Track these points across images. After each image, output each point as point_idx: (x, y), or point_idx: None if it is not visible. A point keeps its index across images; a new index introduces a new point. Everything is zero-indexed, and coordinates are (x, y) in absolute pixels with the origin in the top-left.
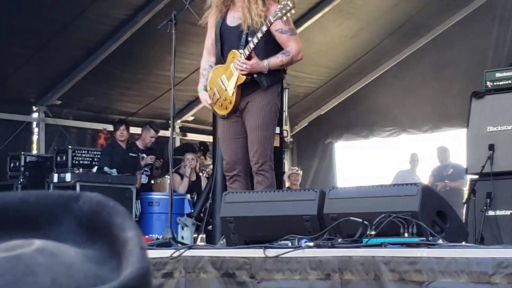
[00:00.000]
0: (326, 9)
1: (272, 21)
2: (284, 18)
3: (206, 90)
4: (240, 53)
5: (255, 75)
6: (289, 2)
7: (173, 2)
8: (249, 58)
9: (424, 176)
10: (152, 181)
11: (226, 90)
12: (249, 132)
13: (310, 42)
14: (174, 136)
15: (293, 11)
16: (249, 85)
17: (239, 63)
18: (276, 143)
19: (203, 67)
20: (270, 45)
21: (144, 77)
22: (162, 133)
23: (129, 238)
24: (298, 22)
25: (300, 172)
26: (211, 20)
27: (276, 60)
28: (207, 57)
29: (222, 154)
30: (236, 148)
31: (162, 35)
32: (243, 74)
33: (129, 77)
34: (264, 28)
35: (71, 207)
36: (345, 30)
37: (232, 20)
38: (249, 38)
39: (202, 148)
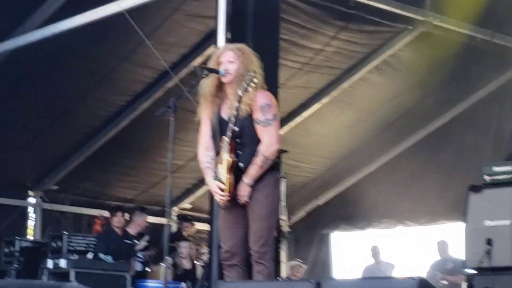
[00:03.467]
0: (325, 100)
1: (241, 94)
2: (264, 104)
3: (215, 179)
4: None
5: (241, 164)
6: (251, 72)
7: (172, 89)
8: (231, 144)
9: (420, 269)
10: (148, 269)
11: (221, 178)
12: (251, 221)
13: (308, 132)
14: (171, 223)
15: (255, 80)
16: (241, 176)
17: (239, 200)
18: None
19: (205, 161)
20: (254, 132)
21: (142, 164)
22: (157, 220)
23: None
24: (296, 112)
25: (305, 266)
26: (204, 114)
27: (253, 168)
28: (206, 152)
29: (219, 243)
30: (237, 237)
31: (161, 122)
32: (244, 201)
33: (127, 163)
34: (237, 104)
35: None
36: (343, 121)
37: (225, 112)
38: (230, 124)
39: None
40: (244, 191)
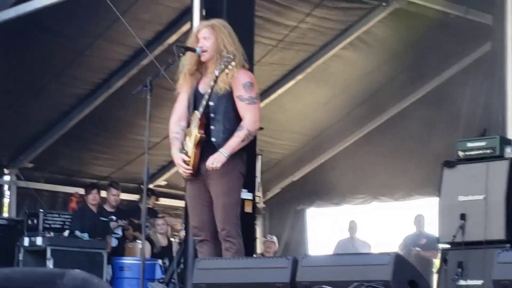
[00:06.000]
0: (299, 77)
1: (217, 75)
2: (247, 83)
3: (181, 152)
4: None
5: (213, 139)
6: (230, 55)
7: (147, 66)
8: (201, 119)
9: (395, 244)
10: (125, 245)
11: (187, 151)
12: (214, 199)
13: (283, 108)
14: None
15: (233, 63)
16: (211, 151)
17: (209, 166)
18: (249, 209)
19: (175, 131)
20: (230, 109)
21: (117, 141)
22: (134, 197)
23: None
24: (271, 89)
25: (275, 240)
26: (185, 86)
27: (234, 140)
28: (178, 121)
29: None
30: (202, 213)
31: (135, 99)
32: (214, 168)
33: (102, 141)
34: (212, 83)
35: (55, 284)
36: (318, 97)
37: (203, 86)
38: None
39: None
40: (218, 161)
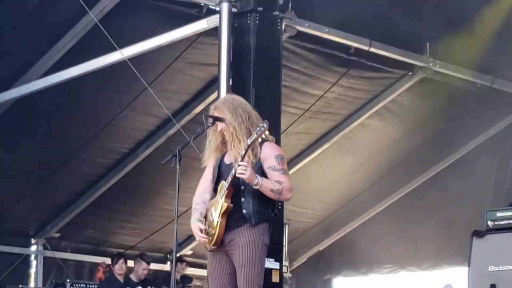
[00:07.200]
0: (326, 146)
1: (249, 143)
2: (279, 155)
3: (199, 221)
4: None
5: (244, 211)
6: (264, 124)
7: (174, 136)
8: (229, 189)
9: None
10: None
11: (212, 221)
12: (236, 269)
13: (309, 178)
14: (180, 272)
15: (267, 132)
16: (235, 221)
17: (238, 168)
18: (276, 278)
19: (196, 202)
20: None
21: (144, 210)
22: (160, 267)
23: None
24: (297, 158)
25: None
26: (211, 160)
27: (269, 183)
28: (201, 194)
29: None
30: (223, 285)
31: (162, 169)
32: (241, 174)
33: (129, 210)
34: (243, 152)
35: None
36: (344, 167)
37: (229, 158)
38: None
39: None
40: (248, 174)
